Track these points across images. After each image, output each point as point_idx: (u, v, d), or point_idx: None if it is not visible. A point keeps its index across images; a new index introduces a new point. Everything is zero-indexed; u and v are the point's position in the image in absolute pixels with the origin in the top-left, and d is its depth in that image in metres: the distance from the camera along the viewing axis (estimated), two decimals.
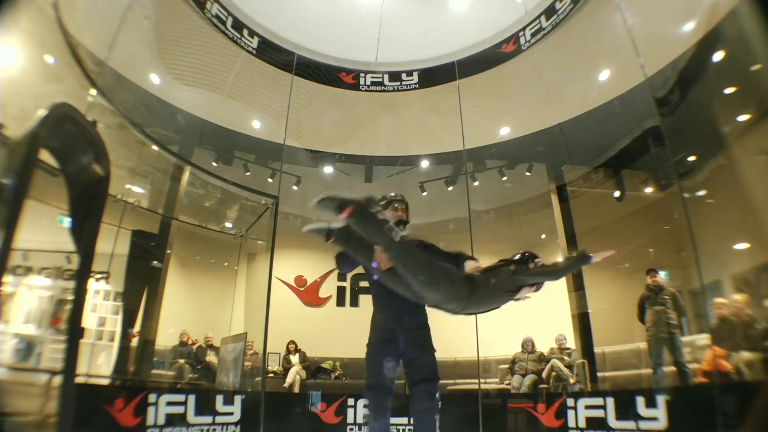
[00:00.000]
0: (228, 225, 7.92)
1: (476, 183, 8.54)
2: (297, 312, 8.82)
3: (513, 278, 2.44)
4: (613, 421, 4.64)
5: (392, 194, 2.95)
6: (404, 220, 2.86)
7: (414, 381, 2.62)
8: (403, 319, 2.61)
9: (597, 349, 6.90)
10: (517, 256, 2.57)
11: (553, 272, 2.61)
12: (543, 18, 6.56)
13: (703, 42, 5.39)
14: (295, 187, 8.67)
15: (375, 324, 2.72)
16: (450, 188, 8.97)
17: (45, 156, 1.99)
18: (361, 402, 5.40)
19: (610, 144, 7.46)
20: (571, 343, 6.96)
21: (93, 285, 6.47)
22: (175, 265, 7.43)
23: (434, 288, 2.32)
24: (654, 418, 4.42)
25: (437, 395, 2.60)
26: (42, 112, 1.77)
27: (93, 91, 5.02)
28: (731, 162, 5.89)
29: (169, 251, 6.88)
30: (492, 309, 2.55)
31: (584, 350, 6.88)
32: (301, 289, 9.02)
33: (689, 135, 6.09)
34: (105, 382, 5.88)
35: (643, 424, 4.46)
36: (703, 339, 5.53)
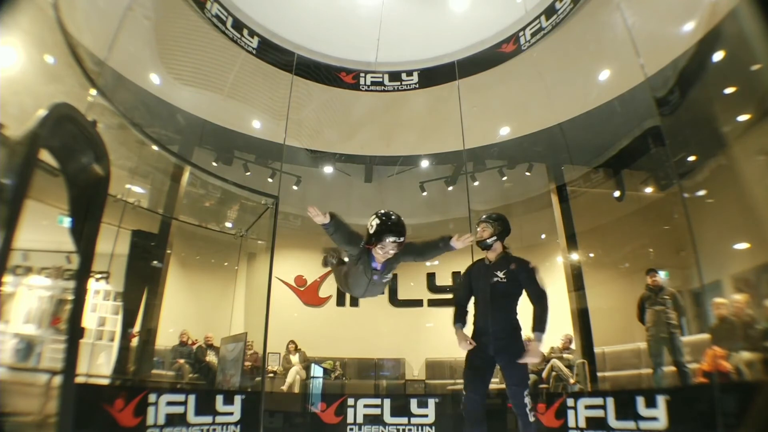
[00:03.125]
0: (228, 225, 7.92)
1: (476, 183, 8.54)
2: (297, 312, 8.82)
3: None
4: (613, 421, 4.64)
5: (483, 216, 3.22)
6: (482, 240, 3.07)
7: (507, 384, 2.87)
8: (489, 327, 2.87)
9: (597, 349, 6.90)
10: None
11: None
12: (543, 18, 6.55)
13: (703, 42, 5.39)
14: (295, 187, 8.67)
15: (474, 328, 3.01)
16: (450, 188, 8.97)
17: (45, 156, 1.99)
18: (361, 402, 5.41)
19: (610, 144, 7.45)
20: (572, 343, 6.96)
21: (93, 285, 6.47)
22: (175, 265, 7.43)
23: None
24: (654, 418, 4.42)
25: (526, 398, 2.76)
26: (42, 112, 1.77)
27: (93, 91, 5.02)
28: (731, 162, 5.89)
29: (169, 251, 6.88)
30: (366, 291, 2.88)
31: (584, 350, 6.88)
32: (301, 289, 9.02)
33: (689, 135, 6.08)
34: (105, 382, 5.87)
35: (643, 424, 4.46)
36: (703, 339, 5.53)
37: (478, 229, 3.08)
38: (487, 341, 2.86)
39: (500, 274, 2.93)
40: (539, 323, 2.77)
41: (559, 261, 8.04)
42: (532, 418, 2.74)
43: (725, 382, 4.54)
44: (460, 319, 3.00)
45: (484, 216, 3.17)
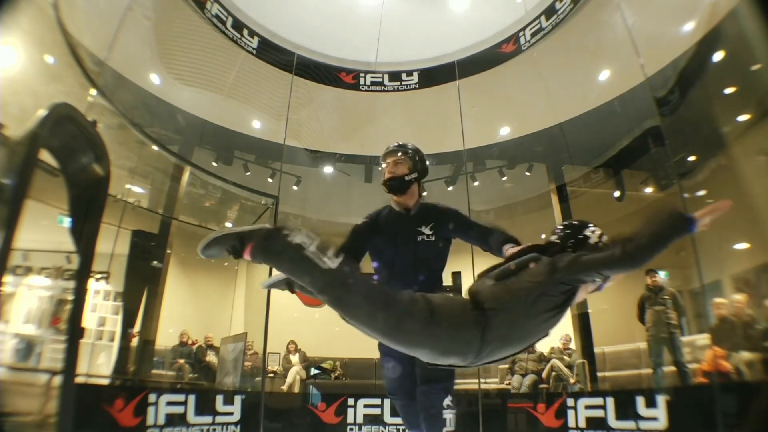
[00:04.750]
0: (228, 225, 7.91)
1: (476, 183, 8.53)
2: (297, 312, 8.81)
3: (556, 281, 1.46)
4: (613, 421, 4.63)
5: (393, 145, 2.28)
6: (398, 177, 2.17)
7: (420, 381, 2.12)
8: None
9: (597, 349, 6.90)
10: (558, 234, 1.65)
11: (629, 257, 1.40)
12: (543, 18, 6.55)
13: (703, 42, 5.39)
14: (295, 187, 8.66)
15: None
16: (450, 188, 8.97)
17: (45, 156, 1.99)
18: (361, 402, 5.40)
19: (610, 144, 7.46)
20: (572, 343, 6.97)
21: (93, 285, 6.47)
22: (175, 265, 7.43)
23: (404, 345, 1.46)
24: (654, 418, 4.42)
25: (444, 401, 2.08)
26: (42, 112, 1.77)
27: (93, 91, 5.02)
28: (731, 162, 5.89)
29: (169, 251, 6.87)
30: (529, 346, 1.61)
31: (584, 350, 6.88)
32: None
33: (689, 135, 6.08)
34: (105, 382, 5.87)
35: (643, 424, 4.46)
36: (703, 339, 5.53)
37: (385, 164, 2.23)
38: None
39: (426, 229, 2.11)
40: (509, 238, 2.03)
41: None
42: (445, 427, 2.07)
43: (725, 382, 4.54)
44: None
45: (393, 145, 2.27)
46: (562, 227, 1.70)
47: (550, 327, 1.54)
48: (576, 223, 1.69)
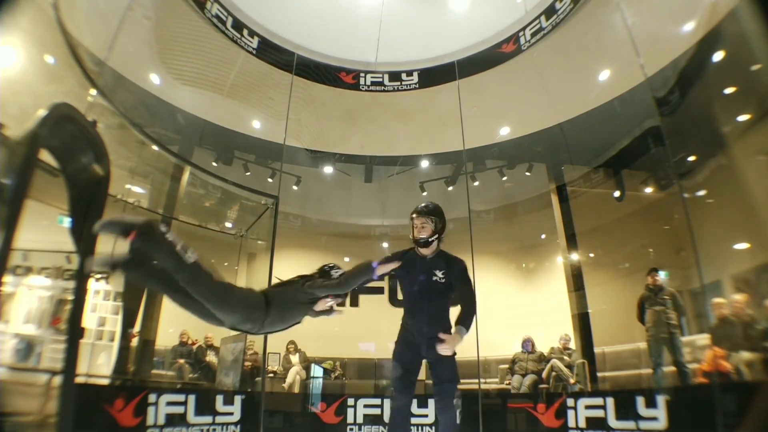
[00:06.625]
0: (228, 225, 7.91)
1: (476, 183, 8.54)
2: None
3: (303, 292, 2.52)
4: (613, 421, 4.64)
5: (421, 205, 2.82)
6: (422, 239, 2.75)
7: (436, 381, 2.72)
8: (426, 327, 2.69)
9: (597, 349, 6.90)
10: (320, 270, 2.71)
11: (339, 284, 2.54)
12: (543, 18, 6.55)
13: (703, 42, 5.39)
14: (295, 187, 8.67)
15: (403, 327, 2.83)
16: (450, 188, 8.97)
17: (45, 156, 1.99)
18: (361, 402, 5.40)
19: (610, 144, 7.46)
20: (572, 343, 6.97)
21: (93, 285, 6.46)
22: None
23: (227, 312, 2.32)
24: (654, 418, 4.42)
25: (457, 393, 2.69)
26: (42, 112, 1.77)
27: (93, 91, 5.02)
28: (731, 162, 5.89)
29: None
30: (289, 326, 2.59)
31: (584, 350, 6.88)
32: None
33: (689, 135, 6.09)
34: (105, 382, 5.87)
35: (643, 424, 4.46)
36: (703, 339, 5.53)
37: (416, 223, 2.78)
38: (420, 341, 2.69)
39: (439, 273, 2.73)
40: (466, 320, 2.62)
41: (559, 261, 8.04)
42: (458, 419, 2.64)
43: (725, 382, 4.54)
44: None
45: (422, 207, 2.81)
46: (322, 268, 2.70)
47: (302, 316, 2.59)
48: (329, 267, 2.69)
